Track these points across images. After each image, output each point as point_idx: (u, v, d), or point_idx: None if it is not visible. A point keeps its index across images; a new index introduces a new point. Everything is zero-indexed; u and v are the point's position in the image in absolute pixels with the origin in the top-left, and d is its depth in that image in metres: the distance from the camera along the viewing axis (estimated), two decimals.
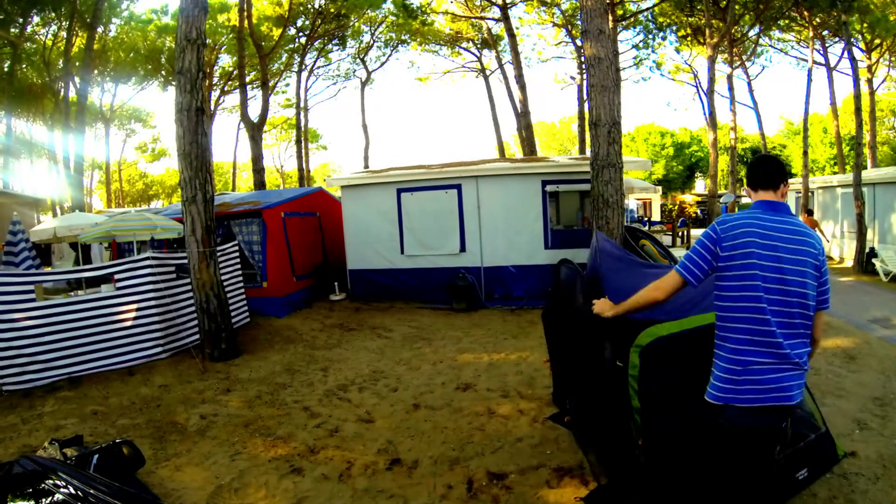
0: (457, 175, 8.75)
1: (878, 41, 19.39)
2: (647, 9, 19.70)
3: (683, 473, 2.57)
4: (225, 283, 6.26)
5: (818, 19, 16.82)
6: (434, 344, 6.44)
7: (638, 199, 21.70)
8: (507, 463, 3.33)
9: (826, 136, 32.36)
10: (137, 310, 5.61)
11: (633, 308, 2.17)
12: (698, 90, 22.76)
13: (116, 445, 3.09)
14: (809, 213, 12.65)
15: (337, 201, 10.37)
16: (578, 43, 18.69)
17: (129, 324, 5.56)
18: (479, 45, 23.38)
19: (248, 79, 18.75)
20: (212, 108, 23.96)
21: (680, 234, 16.16)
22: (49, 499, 1.60)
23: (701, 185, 40.05)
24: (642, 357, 2.45)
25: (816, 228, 10.85)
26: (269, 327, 7.25)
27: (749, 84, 22.75)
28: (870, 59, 19.93)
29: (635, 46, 21.76)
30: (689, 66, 23.39)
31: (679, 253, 9.84)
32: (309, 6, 19.92)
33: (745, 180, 2.21)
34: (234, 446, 3.78)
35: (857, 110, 12.04)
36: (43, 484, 1.66)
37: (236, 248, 7.41)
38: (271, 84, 20.95)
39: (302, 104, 24.98)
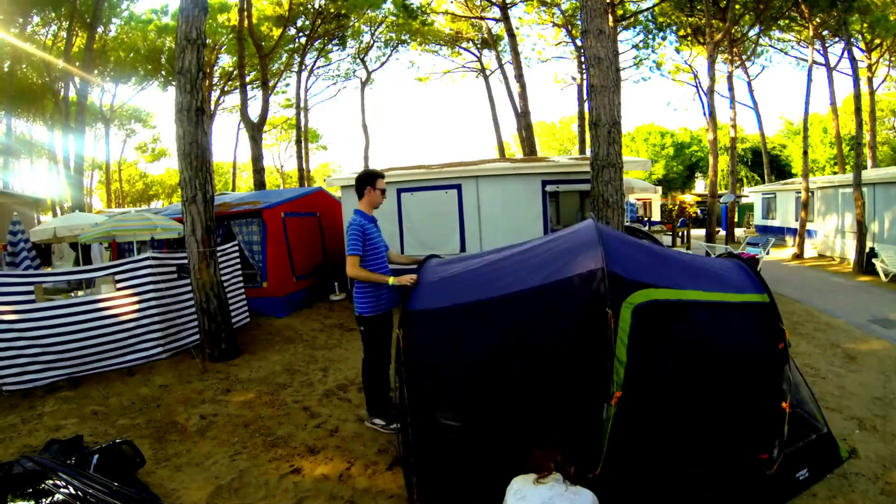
0: (457, 175, 8.75)
1: (878, 41, 19.37)
2: (647, 9, 19.68)
3: (652, 431, 2.60)
4: (225, 283, 6.26)
5: (818, 19, 16.79)
6: None
7: (638, 199, 21.70)
8: None
9: (826, 136, 32.30)
10: (137, 310, 5.61)
11: None
12: (698, 90, 22.72)
13: (116, 445, 3.09)
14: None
15: (337, 201, 10.37)
16: (578, 43, 18.69)
17: (129, 324, 5.56)
18: (479, 45, 23.37)
19: (248, 79, 18.74)
20: (212, 108, 23.97)
21: (680, 234, 16.14)
22: (49, 499, 1.60)
23: (701, 185, 40.01)
24: (634, 315, 2.53)
25: None
26: (269, 327, 7.25)
27: (749, 84, 22.74)
28: (870, 58, 19.91)
29: (635, 46, 21.75)
30: (689, 66, 23.36)
31: None
32: (309, 6, 19.90)
33: None
34: (234, 446, 3.78)
35: (857, 110, 12.03)
36: (43, 484, 1.66)
37: (236, 248, 7.41)
38: (271, 84, 20.94)
39: (302, 104, 24.97)
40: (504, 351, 2.74)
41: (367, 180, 3.94)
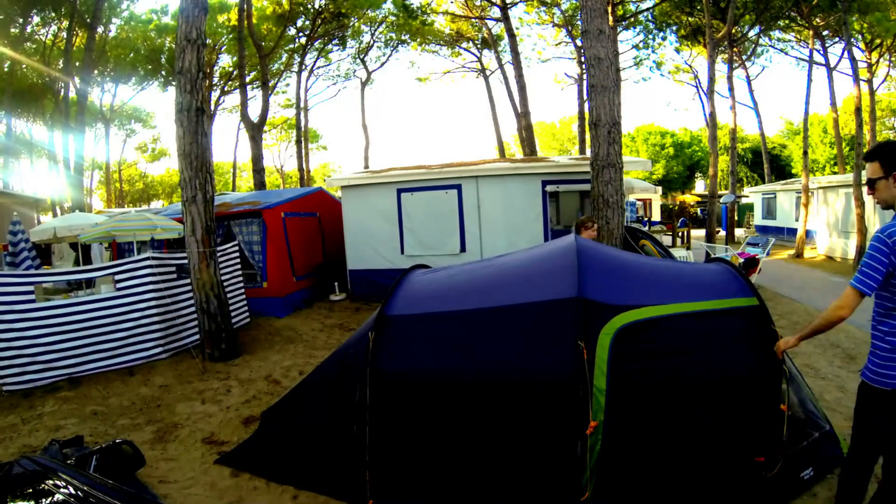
0: (457, 175, 8.75)
1: (878, 41, 19.35)
2: (647, 9, 19.69)
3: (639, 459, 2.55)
4: (225, 283, 6.26)
5: (818, 19, 16.80)
6: None
7: (638, 199, 21.67)
8: None
9: (826, 136, 32.28)
10: (137, 310, 5.61)
11: (817, 331, 2.32)
12: (698, 90, 22.77)
13: (116, 445, 3.09)
14: None
15: (337, 201, 10.37)
16: (578, 43, 18.68)
17: (129, 324, 5.55)
18: (479, 46, 23.37)
19: (248, 79, 18.74)
20: (212, 108, 23.95)
21: (680, 234, 16.12)
22: (49, 499, 1.60)
23: (701, 185, 40.02)
24: (614, 340, 2.48)
25: None
26: (269, 327, 7.25)
27: (749, 84, 22.73)
28: (870, 58, 19.90)
29: (635, 46, 21.77)
30: (689, 66, 23.39)
31: (679, 253, 9.81)
32: (309, 6, 19.90)
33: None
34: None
35: (858, 110, 12.06)
36: (43, 484, 1.66)
37: (236, 248, 7.41)
38: (271, 84, 20.93)
39: (302, 104, 24.96)
40: (475, 367, 2.71)
41: None
